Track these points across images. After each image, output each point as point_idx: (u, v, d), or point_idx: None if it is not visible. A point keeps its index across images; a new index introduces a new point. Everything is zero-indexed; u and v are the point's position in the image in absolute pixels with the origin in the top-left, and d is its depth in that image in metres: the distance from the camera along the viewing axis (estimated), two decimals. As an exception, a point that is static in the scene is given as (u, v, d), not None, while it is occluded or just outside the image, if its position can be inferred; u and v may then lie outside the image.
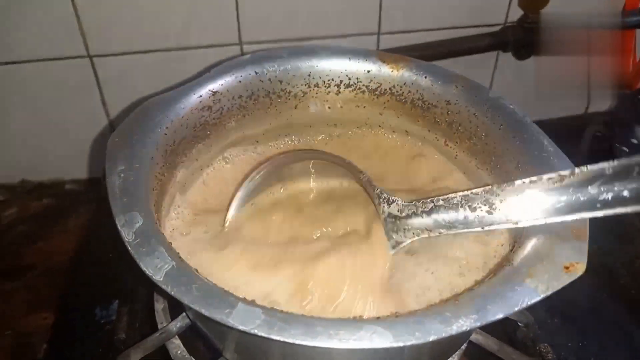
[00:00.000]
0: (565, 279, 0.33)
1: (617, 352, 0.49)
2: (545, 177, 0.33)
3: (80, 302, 0.53)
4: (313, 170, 0.50)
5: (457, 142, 0.51)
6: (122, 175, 0.39)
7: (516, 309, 0.31)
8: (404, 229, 0.40)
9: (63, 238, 0.69)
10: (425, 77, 0.51)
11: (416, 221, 0.39)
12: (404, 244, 0.41)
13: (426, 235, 0.39)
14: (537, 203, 0.33)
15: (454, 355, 0.44)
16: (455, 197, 0.37)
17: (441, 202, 0.38)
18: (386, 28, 0.73)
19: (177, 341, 0.46)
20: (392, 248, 0.41)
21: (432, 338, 0.30)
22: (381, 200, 0.42)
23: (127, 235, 0.34)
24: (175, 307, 0.48)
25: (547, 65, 0.79)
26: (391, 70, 0.52)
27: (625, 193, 0.30)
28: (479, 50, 0.76)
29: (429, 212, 0.38)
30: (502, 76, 0.81)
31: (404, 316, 0.31)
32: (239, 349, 0.40)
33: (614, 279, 0.56)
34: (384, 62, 0.52)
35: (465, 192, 0.36)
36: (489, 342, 0.45)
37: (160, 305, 0.48)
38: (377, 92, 0.53)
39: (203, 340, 0.47)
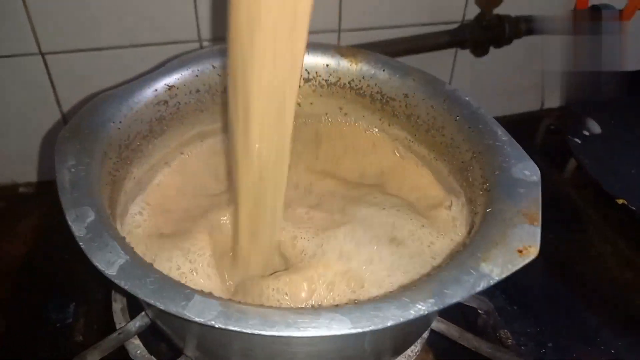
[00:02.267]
0: (519, 262, 0.33)
1: (572, 336, 0.51)
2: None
3: (33, 306, 0.51)
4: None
5: (415, 135, 0.51)
6: (72, 170, 0.37)
7: (472, 292, 0.32)
8: None
9: (14, 242, 0.67)
10: (384, 70, 0.51)
11: None
12: None
13: None
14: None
15: (416, 344, 0.44)
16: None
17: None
18: (346, 25, 0.73)
19: (136, 341, 0.44)
20: None
21: (390, 323, 0.30)
22: None
23: (78, 230, 0.33)
24: (134, 307, 0.47)
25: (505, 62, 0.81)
26: (350, 63, 0.52)
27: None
28: (438, 47, 0.77)
29: None
30: (460, 73, 0.82)
31: (362, 303, 0.31)
32: (200, 346, 0.39)
33: (569, 268, 0.58)
34: (342, 56, 0.52)
35: None
36: (450, 330, 0.45)
37: (118, 305, 0.47)
38: (337, 86, 0.53)
39: (163, 339, 0.46)
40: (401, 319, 0.30)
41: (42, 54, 0.66)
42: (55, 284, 0.53)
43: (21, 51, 0.65)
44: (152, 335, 0.45)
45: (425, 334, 0.45)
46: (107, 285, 0.51)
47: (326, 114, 0.55)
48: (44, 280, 0.54)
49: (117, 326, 0.46)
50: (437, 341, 0.46)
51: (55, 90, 0.69)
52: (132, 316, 0.46)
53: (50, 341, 0.48)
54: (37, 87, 0.68)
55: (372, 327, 0.29)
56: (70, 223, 0.33)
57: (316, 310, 0.30)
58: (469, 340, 0.45)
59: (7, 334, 0.50)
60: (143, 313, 0.45)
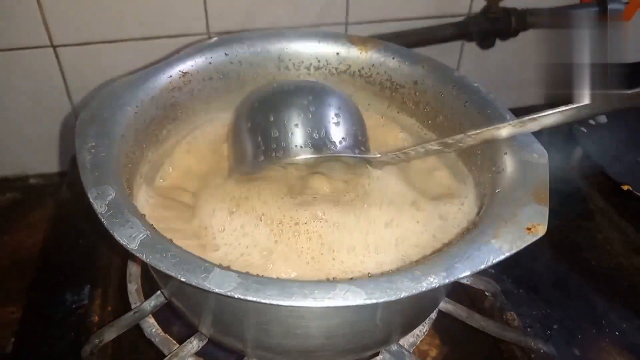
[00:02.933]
0: (528, 239, 0.34)
1: (578, 319, 0.51)
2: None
3: (50, 290, 0.52)
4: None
5: (424, 121, 0.52)
6: (92, 150, 0.38)
7: (482, 266, 0.33)
8: None
9: (29, 232, 0.68)
10: (393, 58, 0.52)
11: None
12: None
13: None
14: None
15: (424, 324, 0.45)
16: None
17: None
18: (353, 18, 0.74)
19: (151, 320, 0.45)
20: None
21: (403, 295, 0.31)
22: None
23: (100, 207, 0.34)
24: (149, 288, 0.48)
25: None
26: (360, 51, 0.53)
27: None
28: (444, 39, 0.78)
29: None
30: (467, 65, 0.83)
31: (376, 276, 0.32)
32: (215, 323, 0.40)
33: (576, 252, 0.58)
34: (352, 44, 0.53)
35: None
36: (458, 310, 0.46)
37: (133, 286, 0.48)
38: (346, 74, 0.54)
39: (178, 318, 0.47)
40: (414, 291, 0.31)
41: (54, 47, 0.67)
42: (71, 269, 0.54)
43: (33, 44, 0.66)
44: (166, 314, 0.46)
45: (433, 315, 0.46)
46: (121, 269, 0.53)
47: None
48: (59, 267, 0.55)
49: (132, 306, 0.47)
50: (445, 322, 0.47)
51: (66, 83, 0.70)
52: (147, 296, 0.47)
53: (66, 322, 0.49)
54: (48, 79, 0.69)
55: (386, 298, 0.30)
56: (92, 200, 0.34)
57: (332, 282, 0.31)
58: (477, 320, 0.46)
59: (25, 317, 0.51)
60: (158, 292, 0.46)
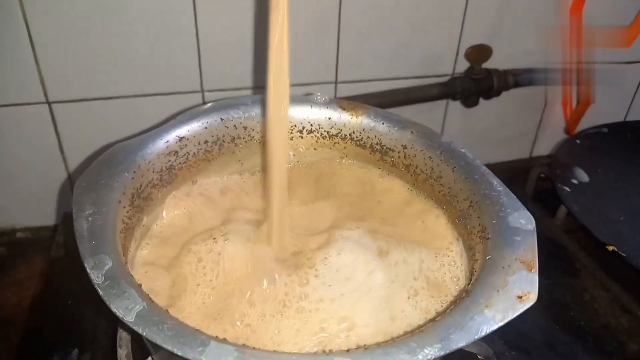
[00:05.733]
0: (520, 308, 0.35)
1: (569, 380, 0.52)
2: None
3: (36, 353, 0.51)
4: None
5: (414, 184, 0.54)
6: (89, 218, 0.39)
7: (477, 337, 0.33)
8: None
9: (14, 289, 0.67)
10: (383, 123, 0.54)
11: None
12: None
13: None
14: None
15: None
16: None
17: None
18: (343, 77, 0.76)
19: (142, 388, 0.45)
20: None
21: (400, 367, 0.31)
22: None
23: (97, 278, 0.34)
24: (140, 353, 0.47)
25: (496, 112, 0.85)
26: (351, 117, 0.55)
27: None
28: (430, 98, 0.80)
29: None
30: (451, 122, 0.86)
31: (372, 348, 0.32)
32: (208, 393, 0.40)
33: (565, 312, 0.59)
34: (343, 109, 0.55)
35: None
36: (452, 376, 0.46)
37: (123, 351, 0.47)
38: (338, 138, 0.56)
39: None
40: (410, 364, 0.31)
41: (49, 103, 0.68)
42: (59, 331, 0.54)
43: (28, 100, 0.67)
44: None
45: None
46: (111, 332, 0.52)
47: (329, 163, 0.57)
48: (47, 328, 0.54)
49: (123, 373, 0.46)
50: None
51: (59, 138, 0.71)
52: (138, 363, 0.46)
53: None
54: (41, 135, 0.70)
55: (383, 372, 0.31)
56: (89, 270, 0.35)
57: (329, 355, 0.31)
58: (471, 386, 0.46)
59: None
60: (149, 359, 0.45)
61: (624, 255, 0.58)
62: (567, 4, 0.77)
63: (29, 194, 0.74)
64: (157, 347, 0.40)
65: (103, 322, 0.55)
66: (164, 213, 0.50)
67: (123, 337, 0.49)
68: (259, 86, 0.73)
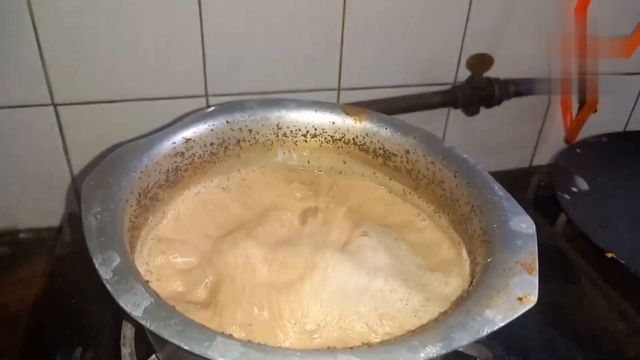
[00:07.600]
0: (520, 309, 0.35)
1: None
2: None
3: (40, 351, 0.52)
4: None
5: (416, 189, 0.54)
6: (98, 216, 0.39)
7: (477, 336, 0.34)
8: None
9: (17, 288, 0.67)
10: (386, 128, 0.55)
11: None
12: None
13: None
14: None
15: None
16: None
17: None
18: (345, 84, 0.77)
19: (145, 385, 0.45)
20: None
21: (402, 365, 0.31)
22: None
23: (105, 274, 0.35)
24: (144, 351, 0.48)
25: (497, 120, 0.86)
26: (354, 121, 0.56)
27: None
28: (432, 106, 0.81)
29: None
30: (453, 130, 0.87)
31: (375, 346, 0.33)
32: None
33: (564, 317, 0.60)
34: (347, 114, 0.56)
35: None
36: (452, 378, 0.47)
37: (127, 349, 0.48)
38: (341, 142, 0.56)
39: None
40: (412, 361, 0.32)
41: (55, 105, 0.68)
42: (62, 329, 0.54)
43: (34, 101, 0.68)
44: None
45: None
46: (114, 330, 0.52)
47: (331, 167, 0.58)
48: (50, 327, 0.55)
49: (126, 371, 0.46)
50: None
51: (64, 140, 0.71)
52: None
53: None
54: (46, 136, 0.70)
55: (385, 369, 0.31)
56: (97, 266, 0.35)
57: (332, 352, 0.32)
58: (470, 388, 0.46)
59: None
60: (153, 356, 0.46)
61: (623, 262, 0.59)
62: (569, 11, 0.77)
63: (32, 194, 0.74)
64: (163, 344, 0.40)
65: (107, 320, 0.55)
66: (170, 213, 0.51)
67: (127, 335, 0.49)
68: (263, 92, 0.74)
